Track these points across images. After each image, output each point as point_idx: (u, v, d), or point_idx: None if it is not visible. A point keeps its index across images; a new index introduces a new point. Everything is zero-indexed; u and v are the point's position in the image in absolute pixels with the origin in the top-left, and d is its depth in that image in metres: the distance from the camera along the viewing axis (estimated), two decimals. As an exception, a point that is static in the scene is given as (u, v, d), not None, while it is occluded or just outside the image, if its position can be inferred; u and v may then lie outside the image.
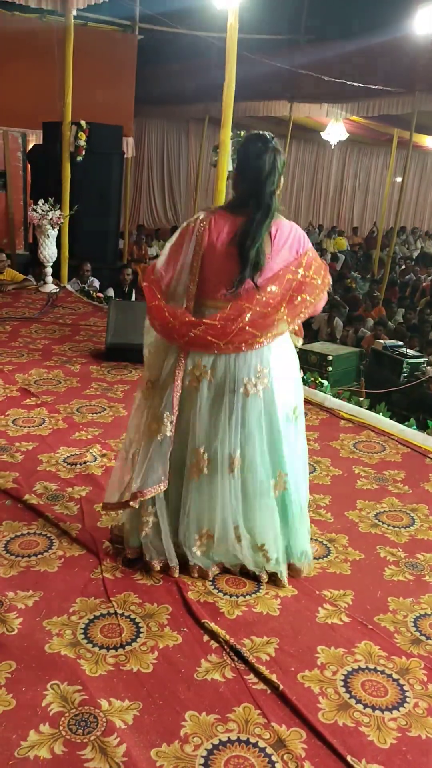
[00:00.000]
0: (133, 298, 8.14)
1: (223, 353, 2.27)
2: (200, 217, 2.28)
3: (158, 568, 2.41)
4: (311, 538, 2.57)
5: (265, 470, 2.34)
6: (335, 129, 12.30)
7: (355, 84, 9.14)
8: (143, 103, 11.61)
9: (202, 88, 9.87)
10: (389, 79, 9.46)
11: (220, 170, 5.23)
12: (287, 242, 2.27)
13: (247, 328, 2.22)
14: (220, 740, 1.76)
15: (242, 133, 5.59)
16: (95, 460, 3.29)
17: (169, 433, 2.29)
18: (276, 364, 2.32)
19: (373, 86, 9.30)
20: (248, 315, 2.22)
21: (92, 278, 7.70)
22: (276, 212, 2.26)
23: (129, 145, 9.80)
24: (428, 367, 6.59)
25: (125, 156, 9.78)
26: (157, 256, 10.71)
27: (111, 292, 7.66)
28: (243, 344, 2.25)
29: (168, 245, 2.35)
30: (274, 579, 2.42)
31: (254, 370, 2.28)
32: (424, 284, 13.09)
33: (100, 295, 7.12)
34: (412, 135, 10.57)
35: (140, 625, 2.18)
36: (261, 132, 2.31)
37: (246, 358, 2.28)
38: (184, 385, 2.31)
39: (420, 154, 18.25)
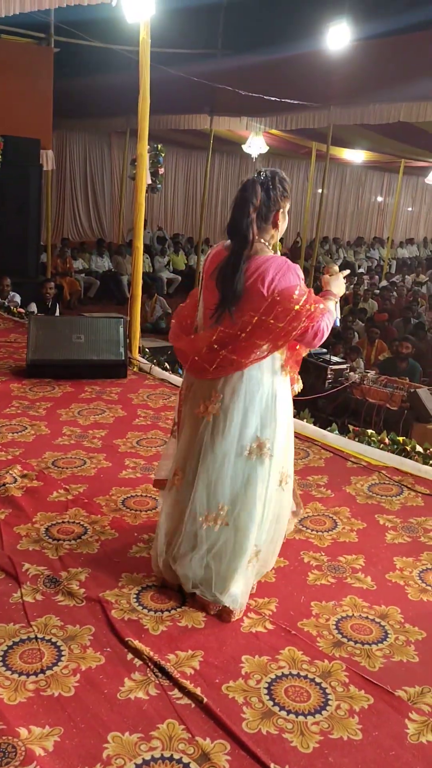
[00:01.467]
0: (57, 313, 8.02)
1: (191, 375, 2.41)
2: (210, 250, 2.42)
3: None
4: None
5: (201, 497, 2.30)
6: (256, 142, 12.51)
7: (272, 98, 9.33)
8: (63, 116, 11.47)
9: (121, 100, 9.85)
10: (305, 93, 9.70)
11: (139, 183, 5.23)
12: (251, 278, 2.20)
13: (196, 358, 2.31)
14: (143, 759, 1.74)
15: (159, 146, 5.62)
16: (15, 481, 3.20)
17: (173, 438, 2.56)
18: (235, 395, 2.27)
19: (289, 100, 9.51)
20: (203, 348, 2.29)
21: (13, 293, 7.54)
22: (258, 245, 2.24)
23: (48, 158, 9.64)
24: (351, 373, 6.76)
25: (44, 169, 9.63)
26: (82, 270, 10.55)
27: (33, 307, 7.51)
28: (199, 372, 2.34)
29: None
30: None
31: (208, 395, 2.32)
32: (346, 292, 13.46)
33: (21, 310, 6.97)
34: (329, 148, 10.87)
35: (62, 648, 2.13)
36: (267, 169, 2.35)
37: (206, 384, 2.34)
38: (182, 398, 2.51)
39: (338, 166, 18.82)
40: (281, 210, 2.30)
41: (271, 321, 2.19)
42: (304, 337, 2.25)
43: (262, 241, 2.28)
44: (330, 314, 2.30)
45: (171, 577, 2.44)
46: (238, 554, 2.31)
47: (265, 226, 2.27)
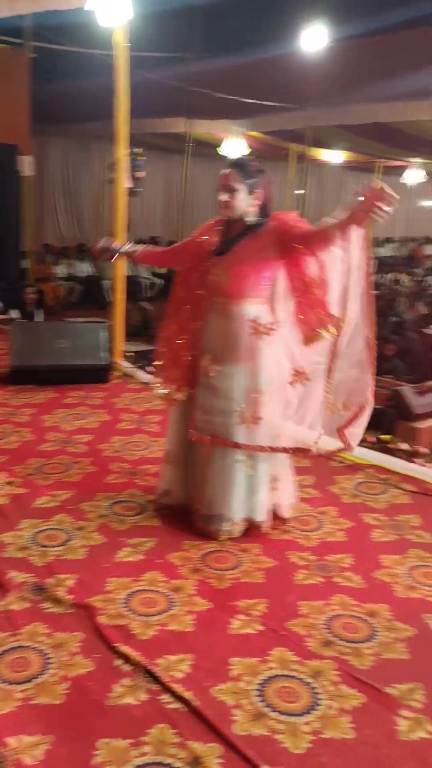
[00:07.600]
0: (40, 319, 7.97)
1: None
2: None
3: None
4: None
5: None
6: (234, 144, 12.52)
7: (248, 100, 9.35)
8: (42, 121, 11.40)
9: (100, 105, 9.78)
10: (282, 95, 9.73)
11: (117, 188, 5.21)
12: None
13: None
14: (134, 765, 1.73)
15: (139, 150, 5.61)
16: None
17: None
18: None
19: (265, 102, 9.53)
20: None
21: (-6, 300, 7.49)
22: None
23: (26, 164, 9.58)
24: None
25: (23, 175, 9.58)
26: (65, 276, 10.55)
27: (16, 313, 7.47)
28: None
29: None
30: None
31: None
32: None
33: (3, 317, 6.93)
34: (307, 150, 10.91)
35: (50, 655, 2.11)
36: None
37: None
38: None
39: (317, 167, 18.84)
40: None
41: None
42: None
43: None
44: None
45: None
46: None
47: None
